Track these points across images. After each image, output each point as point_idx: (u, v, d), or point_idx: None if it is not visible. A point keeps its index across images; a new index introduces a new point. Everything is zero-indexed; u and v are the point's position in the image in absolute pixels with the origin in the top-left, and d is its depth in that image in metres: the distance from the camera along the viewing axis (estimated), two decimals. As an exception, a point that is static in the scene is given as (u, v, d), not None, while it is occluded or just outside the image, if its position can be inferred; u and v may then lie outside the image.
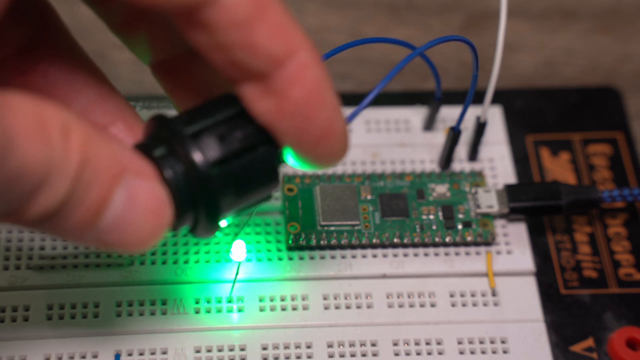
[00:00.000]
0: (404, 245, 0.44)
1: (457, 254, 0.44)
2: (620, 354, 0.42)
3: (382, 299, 0.43)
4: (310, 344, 0.42)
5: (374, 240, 0.44)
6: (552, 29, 0.56)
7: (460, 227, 0.44)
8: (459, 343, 0.42)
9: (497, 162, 0.47)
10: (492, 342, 0.42)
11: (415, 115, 0.49)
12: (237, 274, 0.42)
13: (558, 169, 0.48)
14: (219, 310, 0.42)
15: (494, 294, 0.44)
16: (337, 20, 0.56)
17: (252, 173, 0.32)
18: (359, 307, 0.43)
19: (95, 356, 0.41)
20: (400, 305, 0.43)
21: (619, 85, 0.52)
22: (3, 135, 0.26)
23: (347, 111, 0.34)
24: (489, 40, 0.54)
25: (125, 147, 0.30)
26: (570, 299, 0.44)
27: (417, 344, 0.42)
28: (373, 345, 0.42)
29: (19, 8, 0.32)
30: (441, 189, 0.45)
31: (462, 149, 0.47)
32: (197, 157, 0.30)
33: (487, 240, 0.44)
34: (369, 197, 0.45)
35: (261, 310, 0.42)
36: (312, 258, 0.44)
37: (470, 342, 0.42)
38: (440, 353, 0.42)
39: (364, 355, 0.42)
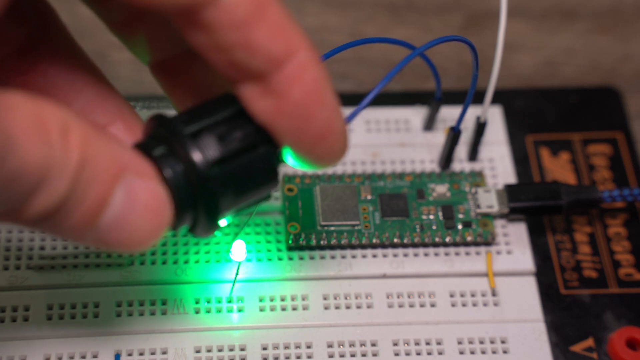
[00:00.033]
0: (404, 245, 0.44)
1: (457, 254, 0.44)
2: (620, 354, 0.42)
3: (382, 299, 0.43)
4: (310, 344, 0.42)
5: (374, 240, 0.44)
6: (552, 29, 0.56)
7: (460, 227, 0.44)
8: (459, 343, 0.42)
9: (497, 162, 0.47)
10: (492, 342, 0.42)
11: (415, 115, 0.49)
12: (237, 274, 0.42)
13: (558, 169, 0.48)
14: (219, 310, 0.42)
15: (494, 294, 0.44)
16: (337, 20, 0.56)
17: (251, 173, 0.32)
18: (359, 307, 0.43)
19: (95, 356, 0.41)
20: (400, 305, 0.43)
21: (619, 85, 0.52)
22: (2, 135, 0.26)
23: (347, 111, 0.34)
24: (489, 40, 0.54)
25: (125, 147, 0.30)
26: (570, 299, 0.44)
27: (417, 344, 0.42)
28: (373, 345, 0.42)
29: (18, 8, 0.32)
30: (441, 189, 0.45)
31: (462, 149, 0.47)
32: (197, 156, 0.30)
33: (487, 240, 0.44)
34: (369, 197, 0.45)
35: (261, 310, 0.42)
36: (312, 258, 0.44)
37: (470, 342, 0.42)
38: (440, 353, 0.42)
39: (364, 355, 0.42)
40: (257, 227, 0.44)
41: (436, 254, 0.44)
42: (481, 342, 0.42)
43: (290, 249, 0.44)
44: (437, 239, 0.44)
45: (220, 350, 0.41)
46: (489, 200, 0.45)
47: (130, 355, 0.41)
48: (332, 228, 0.44)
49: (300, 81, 0.30)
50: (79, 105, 0.34)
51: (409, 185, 0.46)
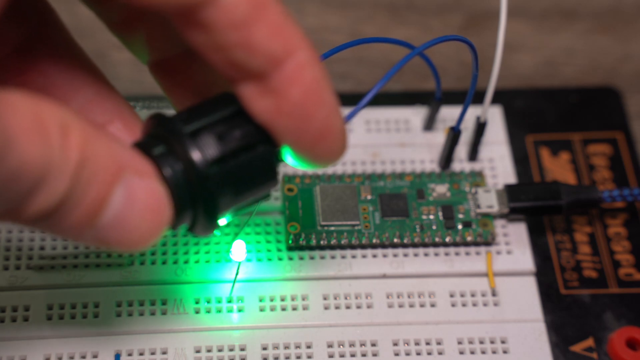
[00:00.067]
0: (404, 245, 0.44)
1: (457, 254, 0.44)
2: (620, 354, 0.42)
3: (382, 299, 0.43)
4: (310, 344, 0.42)
5: (374, 240, 0.44)
6: (552, 29, 0.56)
7: (460, 227, 0.44)
8: (459, 343, 0.42)
9: (497, 162, 0.47)
10: (492, 342, 0.42)
11: (415, 115, 0.49)
12: (237, 274, 0.42)
13: (558, 169, 0.48)
14: (219, 310, 0.42)
15: (494, 294, 0.44)
16: (337, 20, 0.56)
17: (250, 172, 0.32)
18: (359, 307, 0.43)
19: (95, 356, 0.41)
20: (400, 305, 0.43)
21: (619, 85, 0.52)
22: (2, 134, 0.26)
23: (347, 111, 0.34)
24: (489, 40, 0.54)
25: (124, 146, 0.30)
26: (570, 299, 0.44)
27: (417, 344, 0.42)
28: (373, 345, 0.42)
29: (18, 7, 0.32)
30: (441, 189, 0.45)
31: (462, 149, 0.47)
32: (196, 155, 0.30)
33: (487, 240, 0.44)
34: (369, 197, 0.45)
35: (261, 310, 0.42)
36: (312, 258, 0.44)
37: (470, 342, 0.42)
38: (440, 353, 0.42)
39: (364, 355, 0.42)
40: (257, 227, 0.44)
41: (436, 254, 0.44)
42: (481, 342, 0.42)
43: (290, 249, 0.44)
44: (437, 239, 0.44)
45: (220, 350, 0.41)
46: (489, 200, 0.45)
47: (130, 355, 0.41)
48: (332, 228, 0.44)
49: (299, 81, 0.30)
50: (78, 104, 0.34)
51: (409, 185, 0.46)
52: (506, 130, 0.49)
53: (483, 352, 0.42)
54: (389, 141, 0.48)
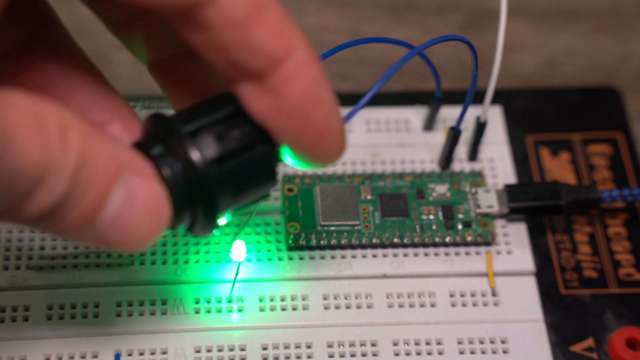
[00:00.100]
0: (404, 245, 0.44)
1: (457, 254, 0.44)
2: (620, 354, 0.42)
3: (382, 299, 0.43)
4: (310, 344, 0.42)
5: (374, 240, 0.44)
6: (552, 29, 0.56)
7: (460, 227, 0.44)
8: (459, 343, 0.42)
9: (497, 162, 0.47)
10: (492, 342, 0.42)
11: (415, 115, 0.49)
12: (237, 274, 0.42)
13: (558, 169, 0.48)
14: (219, 310, 0.42)
15: (494, 294, 0.44)
16: (337, 20, 0.56)
17: (249, 172, 0.32)
18: (359, 307, 0.43)
19: (95, 356, 0.41)
20: (400, 305, 0.43)
21: (619, 85, 0.52)
22: (1, 134, 0.26)
23: (346, 111, 0.34)
24: (489, 40, 0.54)
25: (123, 146, 0.30)
26: (570, 299, 0.44)
27: (417, 344, 0.42)
28: (373, 345, 0.42)
29: (17, 7, 0.32)
30: (441, 189, 0.45)
31: (462, 149, 0.47)
32: (195, 155, 0.30)
33: (487, 240, 0.44)
34: (369, 197, 0.45)
35: (261, 310, 0.42)
36: (312, 258, 0.44)
37: (470, 342, 0.42)
38: (440, 353, 0.42)
39: (364, 355, 0.42)
40: (257, 227, 0.44)
41: (436, 254, 0.44)
42: (481, 342, 0.42)
43: (290, 249, 0.44)
44: (437, 239, 0.44)
45: (220, 350, 0.41)
46: (489, 200, 0.45)
47: (130, 355, 0.41)
48: (332, 228, 0.44)
49: (298, 80, 0.30)
50: (77, 103, 0.34)
51: (409, 185, 0.46)
52: (506, 130, 0.49)
53: (483, 352, 0.42)
54: (389, 141, 0.48)
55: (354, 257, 0.44)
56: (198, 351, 0.41)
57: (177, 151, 0.31)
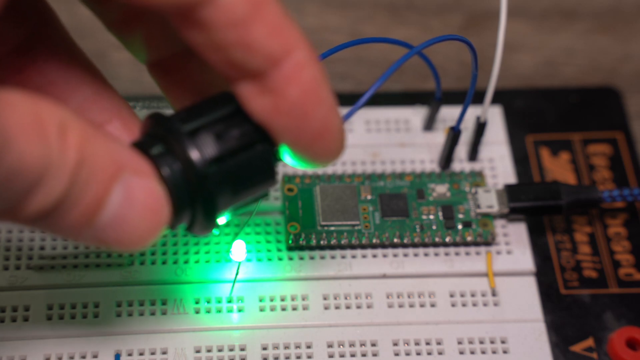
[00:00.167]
0: (404, 245, 0.44)
1: (457, 254, 0.44)
2: (620, 354, 0.42)
3: (382, 299, 0.43)
4: (310, 344, 0.42)
5: (374, 240, 0.44)
6: (552, 29, 0.56)
7: (460, 227, 0.44)
8: (459, 343, 0.42)
9: (497, 162, 0.47)
10: (492, 342, 0.42)
11: (415, 115, 0.49)
12: (237, 274, 0.42)
13: (558, 169, 0.48)
14: (219, 310, 0.42)
15: (494, 294, 0.44)
16: (337, 20, 0.56)
17: (249, 171, 0.32)
18: (359, 307, 0.43)
19: (95, 356, 0.41)
20: (400, 305, 0.43)
21: (619, 85, 0.52)
22: (0, 134, 0.26)
23: (346, 111, 0.34)
24: (489, 40, 0.54)
25: (123, 146, 0.30)
26: (570, 299, 0.44)
27: (417, 344, 0.42)
28: (373, 345, 0.42)
29: (17, 7, 0.32)
30: (441, 189, 0.45)
31: (462, 149, 0.47)
32: (194, 155, 0.30)
33: (487, 240, 0.44)
34: (369, 197, 0.45)
35: (261, 310, 0.42)
36: (312, 258, 0.44)
37: (470, 342, 0.42)
38: (440, 353, 0.42)
39: (364, 355, 0.42)
40: (257, 227, 0.44)
41: (436, 254, 0.44)
42: (481, 342, 0.42)
43: (290, 249, 0.44)
44: (437, 239, 0.44)
45: (220, 350, 0.41)
46: (489, 200, 0.45)
47: (130, 355, 0.41)
48: (332, 228, 0.44)
49: (297, 80, 0.30)
50: (76, 103, 0.34)
51: (409, 185, 0.46)
52: (506, 130, 0.49)
53: (483, 352, 0.42)
54: (389, 141, 0.48)
55: (354, 257, 0.44)
56: (198, 351, 0.41)
57: (176, 151, 0.31)
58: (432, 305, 0.43)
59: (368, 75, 0.53)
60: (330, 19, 0.56)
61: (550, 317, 0.43)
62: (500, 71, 0.43)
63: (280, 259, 0.43)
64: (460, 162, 0.47)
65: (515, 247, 0.45)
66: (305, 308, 0.42)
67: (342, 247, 0.44)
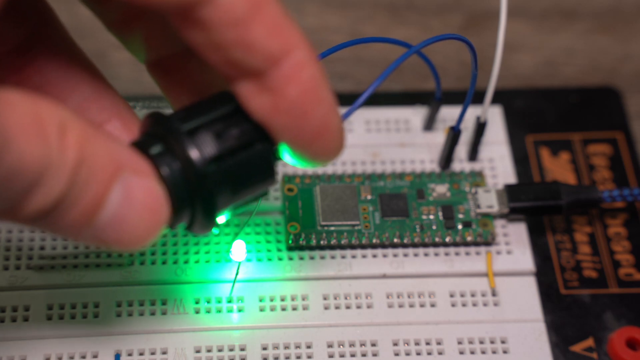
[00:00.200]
0: (404, 245, 0.44)
1: (457, 254, 0.44)
2: (620, 354, 0.42)
3: (382, 299, 0.43)
4: (310, 344, 0.42)
5: (374, 240, 0.44)
6: (552, 29, 0.56)
7: (460, 227, 0.44)
8: (459, 343, 0.42)
9: (497, 162, 0.47)
10: (492, 342, 0.42)
11: (415, 115, 0.49)
12: (237, 274, 0.42)
13: (558, 169, 0.48)
14: (219, 310, 0.42)
15: (494, 294, 0.44)
16: (337, 20, 0.56)
17: (248, 170, 0.32)
18: (359, 307, 0.43)
19: (95, 356, 0.41)
20: (400, 305, 0.43)
21: (619, 85, 0.52)
22: (0, 133, 0.26)
23: (345, 110, 0.35)
24: (489, 40, 0.54)
25: (122, 145, 0.30)
26: (570, 299, 0.44)
27: (417, 344, 0.42)
28: (373, 345, 0.42)
29: (17, 7, 0.32)
30: (441, 189, 0.45)
31: (462, 149, 0.47)
32: (194, 154, 0.30)
33: (487, 240, 0.44)
34: (369, 197, 0.45)
35: (261, 310, 0.42)
36: (312, 258, 0.44)
37: (470, 342, 0.42)
38: (440, 353, 0.42)
39: (364, 355, 0.42)
40: (257, 227, 0.44)
41: (436, 254, 0.44)
42: (481, 342, 0.42)
43: (290, 249, 0.44)
44: (437, 239, 0.44)
45: (220, 350, 0.41)
46: (489, 200, 0.45)
47: (130, 355, 0.41)
48: (332, 228, 0.44)
49: (297, 79, 0.30)
50: (75, 102, 0.34)
51: (409, 185, 0.46)
52: (506, 130, 0.49)
53: (483, 352, 0.42)
54: (389, 141, 0.48)
55: (354, 257, 0.44)
56: (198, 351, 0.41)
57: (175, 150, 0.31)
58: (432, 305, 0.43)
59: (368, 75, 0.53)
60: (330, 19, 0.56)
61: (550, 317, 0.43)
62: (500, 71, 0.43)
63: (280, 259, 0.43)
64: (460, 162, 0.47)
65: (515, 247, 0.45)
66: (305, 308, 0.42)
67: (342, 247, 0.44)
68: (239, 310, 0.42)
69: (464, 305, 0.43)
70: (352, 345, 0.42)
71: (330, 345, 0.42)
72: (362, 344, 0.42)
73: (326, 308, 0.43)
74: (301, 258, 0.44)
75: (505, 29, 0.42)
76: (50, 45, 0.34)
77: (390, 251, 0.44)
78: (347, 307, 0.43)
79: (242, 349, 0.41)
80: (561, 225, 0.46)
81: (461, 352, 0.42)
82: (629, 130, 0.49)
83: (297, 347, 0.41)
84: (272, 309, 0.42)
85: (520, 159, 0.48)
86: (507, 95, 0.50)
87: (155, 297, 0.42)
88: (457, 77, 0.54)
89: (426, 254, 0.44)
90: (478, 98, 0.45)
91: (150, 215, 0.29)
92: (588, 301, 0.44)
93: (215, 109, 0.31)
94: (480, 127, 0.46)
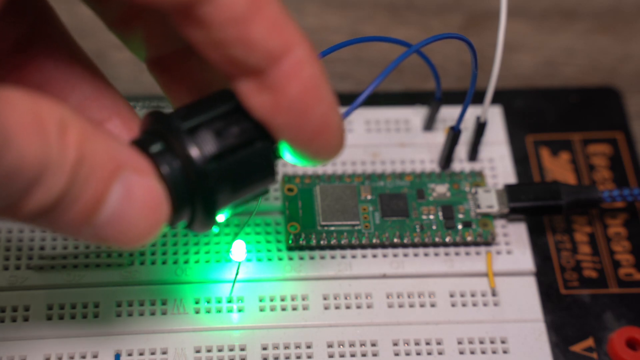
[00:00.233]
0: (404, 245, 0.44)
1: (457, 254, 0.44)
2: (620, 354, 0.42)
3: (382, 299, 0.43)
4: (310, 344, 0.42)
5: (374, 240, 0.44)
6: (552, 29, 0.56)
7: (460, 227, 0.44)
8: (459, 343, 0.42)
9: (497, 162, 0.47)
10: (492, 342, 0.42)
11: (415, 115, 0.49)
12: (237, 274, 0.42)
13: (558, 169, 0.48)
14: (219, 310, 0.42)
15: (494, 294, 0.44)
16: (337, 20, 0.56)
17: (248, 168, 0.32)
18: (359, 307, 0.43)
19: (95, 356, 0.41)
20: (400, 305, 0.43)
21: (619, 85, 0.52)
22: (0, 131, 0.26)
23: (345, 109, 0.35)
24: (489, 40, 0.54)
25: (122, 143, 0.30)
26: (570, 299, 0.44)
27: (417, 344, 0.42)
28: (373, 345, 0.42)
29: (16, 5, 0.32)
30: (441, 189, 0.45)
31: (462, 149, 0.47)
32: (194, 152, 0.31)
33: (487, 240, 0.44)
34: (369, 197, 0.45)
35: (261, 310, 0.42)
36: (312, 258, 0.44)
37: (470, 342, 0.42)
38: (440, 353, 0.42)
39: (364, 355, 0.42)
40: (257, 227, 0.44)
41: (436, 254, 0.44)
42: (481, 342, 0.42)
43: (290, 249, 0.44)
44: (437, 239, 0.44)
45: (220, 350, 0.41)
46: (489, 200, 0.45)
47: (130, 355, 0.41)
48: (332, 228, 0.44)
49: (297, 77, 0.30)
50: (75, 101, 0.34)
51: (409, 185, 0.46)
52: (506, 130, 0.49)
53: (483, 352, 0.42)
54: (389, 141, 0.48)
55: (354, 257, 0.44)
56: (198, 351, 0.41)
57: (175, 148, 0.31)
58: (432, 305, 0.43)
59: (368, 75, 0.53)
60: (330, 19, 0.56)
61: (550, 317, 0.43)
62: (500, 71, 0.43)
63: (280, 259, 0.43)
64: (460, 162, 0.47)
65: (515, 247, 0.45)
66: (305, 308, 0.42)
67: (342, 247, 0.44)
68: (239, 310, 0.42)
69: (464, 305, 0.43)
70: (352, 345, 0.42)
71: (330, 345, 0.42)
72: (362, 344, 0.42)
73: (326, 308, 0.43)
74: (301, 258, 0.44)
75: (505, 29, 0.42)
76: (50, 44, 0.34)
77: (390, 251, 0.44)
78: (347, 307, 0.43)
79: (242, 349, 0.41)
80: (561, 225, 0.46)
81: (461, 352, 0.42)
82: (629, 130, 0.49)
83: (297, 347, 0.41)
84: (272, 309, 0.42)
85: (520, 159, 0.48)
86: (507, 95, 0.50)
87: (155, 297, 0.42)
88: (457, 77, 0.54)
89: (426, 254, 0.44)
90: (478, 98, 0.45)
91: (150, 213, 0.29)
92: (588, 301, 0.44)
93: (216, 107, 0.31)
94: (480, 127, 0.46)
